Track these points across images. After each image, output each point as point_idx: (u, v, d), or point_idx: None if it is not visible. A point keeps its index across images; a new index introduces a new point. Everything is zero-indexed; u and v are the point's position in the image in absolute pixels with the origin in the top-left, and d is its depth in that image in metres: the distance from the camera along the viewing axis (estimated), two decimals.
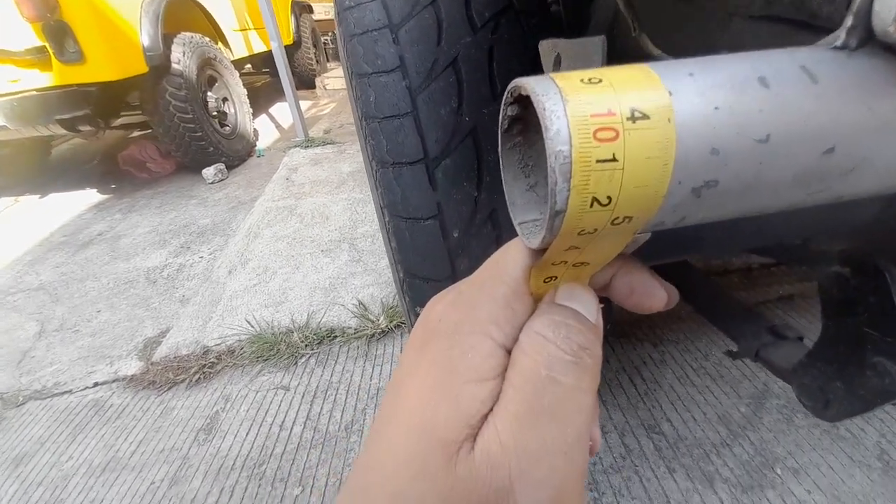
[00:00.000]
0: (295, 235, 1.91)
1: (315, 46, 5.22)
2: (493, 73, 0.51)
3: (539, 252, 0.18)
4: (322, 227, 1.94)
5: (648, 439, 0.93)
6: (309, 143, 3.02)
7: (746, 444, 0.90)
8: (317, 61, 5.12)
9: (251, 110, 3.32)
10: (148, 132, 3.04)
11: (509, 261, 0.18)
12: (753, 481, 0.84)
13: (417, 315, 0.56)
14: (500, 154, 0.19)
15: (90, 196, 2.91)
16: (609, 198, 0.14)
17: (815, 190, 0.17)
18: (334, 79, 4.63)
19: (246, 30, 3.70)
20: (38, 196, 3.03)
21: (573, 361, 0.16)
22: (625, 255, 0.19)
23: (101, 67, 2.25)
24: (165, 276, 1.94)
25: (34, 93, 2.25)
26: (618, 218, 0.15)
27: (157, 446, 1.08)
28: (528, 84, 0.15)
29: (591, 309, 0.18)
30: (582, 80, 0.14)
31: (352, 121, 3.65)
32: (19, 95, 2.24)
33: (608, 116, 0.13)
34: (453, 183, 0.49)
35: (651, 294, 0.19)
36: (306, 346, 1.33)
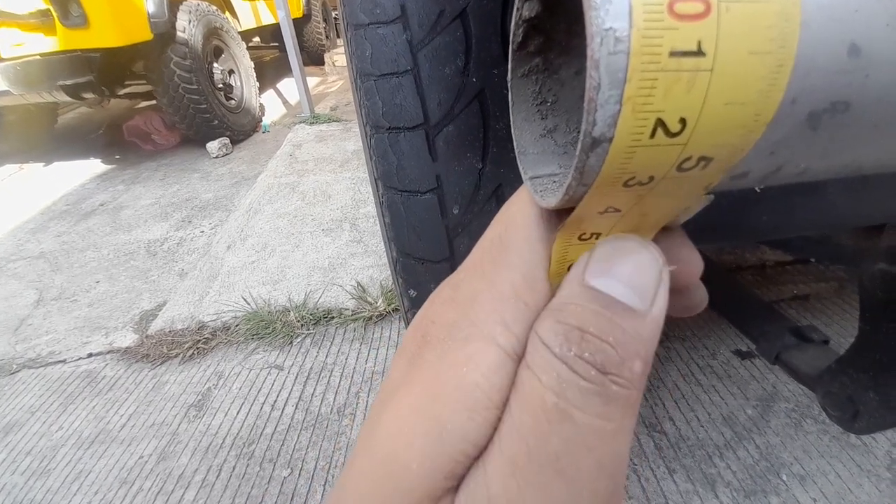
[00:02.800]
0: (296, 213, 1.87)
1: (325, 21, 5.09)
2: (505, 28, 0.45)
3: (561, 216, 0.13)
4: (324, 205, 1.90)
5: (649, 437, 0.89)
6: (314, 119, 2.96)
7: (752, 448, 0.86)
8: (326, 36, 5.00)
9: (258, 84, 3.25)
10: (153, 103, 2.99)
11: (515, 236, 0.13)
12: (757, 486, 0.80)
13: (411, 298, 0.52)
14: (509, 84, 0.15)
15: (94, 166, 2.89)
16: (683, 121, 0.09)
17: None
18: (343, 55, 4.52)
19: (254, 0, 3.61)
20: (43, 164, 3.02)
21: (595, 390, 0.10)
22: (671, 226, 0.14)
23: (104, 33, 2.20)
24: (166, 249, 1.92)
25: (38, 57, 2.20)
26: (689, 159, 0.09)
27: (148, 420, 1.06)
28: None
29: (644, 285, 0.11)
30: None
31: None
32: (23, 60, 2.20)
33: None
34: (455, 153, 0.44)
35: (692, 263, 0.14)
36: (302, 325, 1.30)
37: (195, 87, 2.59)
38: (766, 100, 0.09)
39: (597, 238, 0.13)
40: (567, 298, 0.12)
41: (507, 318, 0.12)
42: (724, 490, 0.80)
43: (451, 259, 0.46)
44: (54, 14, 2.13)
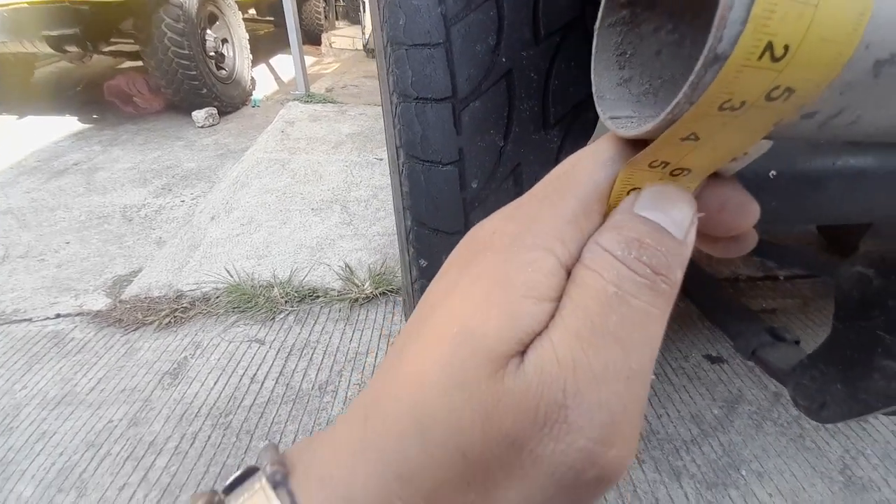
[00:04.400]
0: (285, 190, 1.84)
1: (325, 1, 4.99)
2: (537, 13, 0.46)
3: (631, 149, 0.15)
4: (314, 185, 1.87)
5: None
6: (309, 98, 2.90)
7: (715, 444, 0.91)
8: (325, 17, 4.91)
9: (251, 57, 3.16)
10: (138, 64, 2.87)
11: (581, 172, 0.16)
12: (718, 480, 0.85)
13: (421, 268, 0.53)
14: (595, 33, 0.16)
15: (70, 123, 2.75)
16: (786, 48, 0.10)
17: None
18: (342, 38, 4.45)
19: None
20: (16, 117, 2.85)
21: (647, 284, 0.14)
22: (721, 174, 0.16)
23: None
24: (143, 215, 1.85)
25: (25, 5, 2.09)
26: (778, 87, 0.11)
27: (119, 385, 1.03)
28: None
29: (681, 221, 0.14)
30: None
31: (356, 82, 3.52)
32: (10, 7, 2.09)
33: None
34: (479, 129, 0.45)
35: (746, 208, 0.16)
36: (286, 302, 1.29)
37: (186, 51, 2.50)
38: (848, 41, 0.10)
39: (664, 167, 0.14)
40: (620, 222, 0.15)
41: (566, 236, 0.15)
42: (688, 481, 0.84)
43: (464, 230, 0.47)
44: None
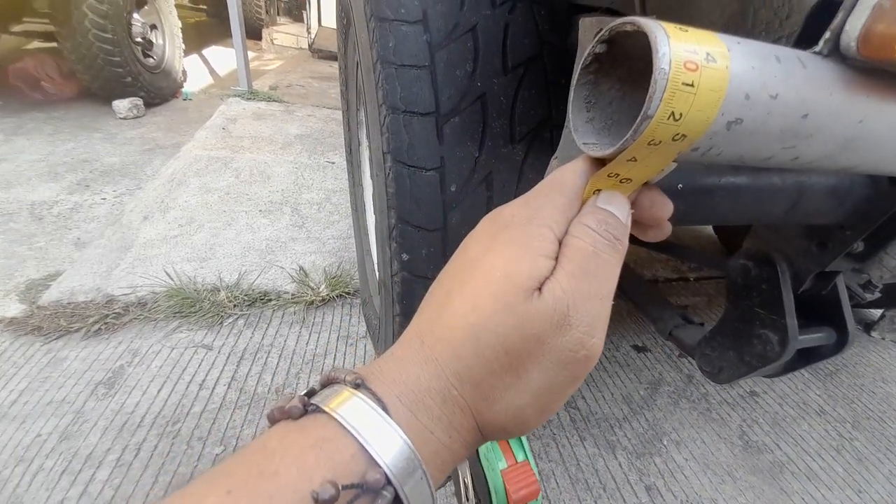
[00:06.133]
0: (229, 190, 1.76)
1: None
2: (506, 48, 0.54)
3: (596, 165, 0.24)
4: (262, 186, 1.81)
5: (566, 412, 1.04)
6: (252, 95, 2.78)
7: (642, 420, 1.04)
8: (266, 12, 4.71)
9: (184, 47, 2.97)
10: (51, 46, 2.57)
11: (566, 180, 0.24)
12: (645, 450, 0.98)
13: (402, 261, 0.57)
14: (572, 88, 0.23)
15: None
16: (681, 114, 0.18)
17: (789, 146, 0.24)
18: (284, 34, 4.30)
19: None
20: None
21: (610, 245, 0.22)
22: (650, 182, 0.25)
23: None
24: (55, 213, 1.67)
25: None
26: (678, 134, 0.19)
27: (44, 398, 0.94)
28: (641, 21, 0.19)
29: (624, 212, 0.24)
30: (676, 28, 0.19)
31: (302, 82, 3.43)
32: None
33: (693, 55, 0.18)
34: (458, 140, 0.51)
35: (665, 205, 0.25)
36: (235, 306, 1.24)
37: (109, 35, 2.30)
38: (712, 110, 0.19)
39: (616, 177, 0.23)
40: (591, 210, 0.23)
41: (559, 219, 0.23)
42: (621, 453, 0.96)
43: (443, 229, 0.53)
44: None
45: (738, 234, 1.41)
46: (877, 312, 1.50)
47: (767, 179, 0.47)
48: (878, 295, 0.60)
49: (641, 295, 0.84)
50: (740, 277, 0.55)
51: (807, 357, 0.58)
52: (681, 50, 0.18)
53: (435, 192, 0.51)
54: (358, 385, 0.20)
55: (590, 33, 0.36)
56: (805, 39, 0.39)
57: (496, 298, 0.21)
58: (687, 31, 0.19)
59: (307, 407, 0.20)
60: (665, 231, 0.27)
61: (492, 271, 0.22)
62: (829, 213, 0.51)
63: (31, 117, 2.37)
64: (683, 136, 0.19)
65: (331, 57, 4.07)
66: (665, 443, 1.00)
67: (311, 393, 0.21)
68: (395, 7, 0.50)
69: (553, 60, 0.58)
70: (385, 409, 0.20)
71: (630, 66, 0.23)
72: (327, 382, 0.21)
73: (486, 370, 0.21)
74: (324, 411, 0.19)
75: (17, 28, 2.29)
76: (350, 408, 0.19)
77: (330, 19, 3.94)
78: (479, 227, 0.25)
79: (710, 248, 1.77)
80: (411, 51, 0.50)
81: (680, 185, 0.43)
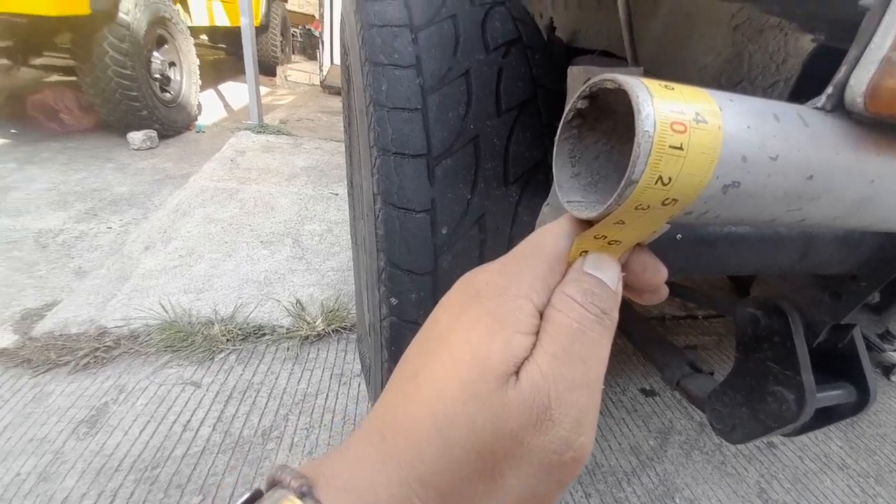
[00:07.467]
0: (232, 221, 1.77)
1: (283, 35, 5.04)
2: (499, 92, 0.53)
3: (582, 226, 0.21)
4: (265, 216, 1.82)
5: None
6: (262, 128, 2.86)
7: (652, 475, 0.97)
8: (282, 50, 4.94)
9: (200, 82, 3.08)
10: (69, 79, 2.68)
11: (547, 244, 0.22)
12: None
13: (391, 305, 0.55)
14: (555, 143, 0.21)
15: None
16: (670, 179, 0.17)
17: (794, 208, 0.22)
18: (298, 72, 4.49)
19: None
20: None
21: (598, 321, 0.20)
22: (642, 244, 0.22)
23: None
24: (60, 241, 1.68)
25: None
26: (668, 199, 0.17)
27: (26, 434, 0.90)
28: (622, 79, 0.18)
29: (614, 279, 0.21)
30: (660, 85, 0.17)
31: (311, 116, 3.53)
32: None
33: (681, 115, 0.17)
34: (450, 182, 0.49)
35: (659, 270, 0.22)
36: (227, 340, 1.21)
37: (128, 72, 2.39)
38: (705, 174, 0.17)
39: (604, 239, 0.21)
40: (576, 276, 0.21)
41: (539, 288, 0.20)
42: None
43: (433, 273, 0.51)
44: None
45: (747, 277, 1.37)
46: None
47: (773, 229, 0.45)
48: None
49: (646, 338, 0.79)
50: (749, 327, 0.52)
51: (827, 416, 0.54)
52: (666, 110, 0.16)
53: (425, 235, 0.49)
54: (304, 494, 0.17)
55: (578, 82, 0.35)
56: (804, 87, 0.37)
57: (464, 386, 0.18)
58: (673, 88, 0.17)
59: None
60: (661, 295, 0.24)
61: (460, 351, 0.19)
62: (839, 263, 0.48)
63: (46, 147, 2.44)
64: (674, 200, 0.18)
65: (340, 92, 4.23)
66: (677, 501, 0.93)
67: (256, 496, 0.18)
68: (389, 52, 0.51)
69: (548, 103, 0.57)
70: None
71: (616, 119, 0.22)
72: (273, 484, 0.18)
73: (456, 475, 0.17)
74: None
75: (37, 61, 2.40)
76: None
77: None
78: (451, 293, 0.22)
79: (718, 288, 1.72)
80: (404, 94, 0.49)
81: (679, 236, 0.40)
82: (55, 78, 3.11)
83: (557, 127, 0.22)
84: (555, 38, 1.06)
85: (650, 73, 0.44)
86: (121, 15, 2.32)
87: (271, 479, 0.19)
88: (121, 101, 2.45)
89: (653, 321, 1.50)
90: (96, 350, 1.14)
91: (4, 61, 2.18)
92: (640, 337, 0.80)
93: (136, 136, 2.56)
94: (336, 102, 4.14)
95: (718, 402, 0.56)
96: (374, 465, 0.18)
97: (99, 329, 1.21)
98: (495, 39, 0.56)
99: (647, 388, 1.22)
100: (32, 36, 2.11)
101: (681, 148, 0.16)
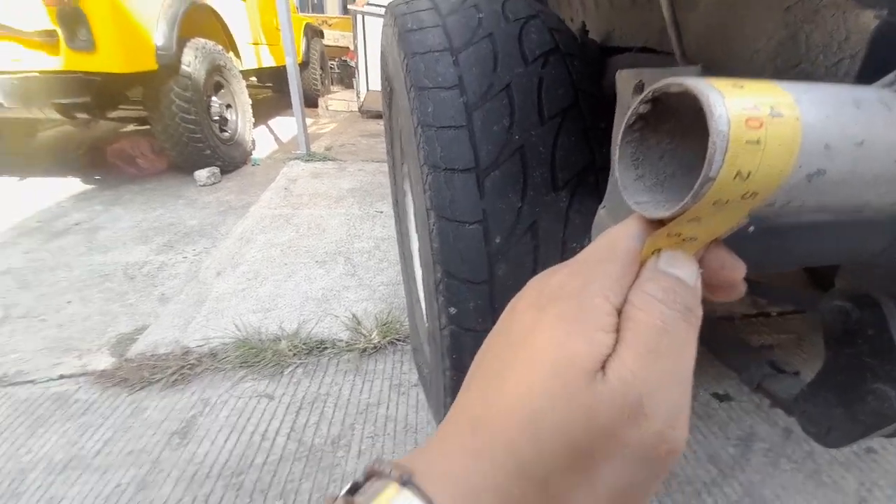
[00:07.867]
0: (289, 244, 1.89)
1: (322, 69, 5.37)
2: (541, 101, 0.56)
3: (653, 225, 0.22)
4: (318, 238, 1.93)
5: None
6: (310, 157, 3.04)
7: (735, 485, 0.92)
8: (322, 83, 5.26)
9: (253, 120, 3.34)
10: (143, 128, 3.00)
11: (618, 245, 0.22)
12: None
13: (450, 315, 0.58)
14: (618, 146, 0.23)
15: (72, 185, 2.81)
16: (749, 173, 0.17)
17: (885, 191, 0.21)
18: (337, 101, 4.75)
19: (258, 44, 3.79)
20: (17, 179, 2.90)
21: (682, 317, 0.19)
22: (718, 239, 0.22)
23: (110, 59, 2.25)
24: (145, 272, 1.87)
25: (36, 74, 2.21)
26: (748, 193, 0.18)
27: (126, 447, 1.01)
28: (690, 83, 0.18)
29: (692, 275, 0.21)
30: (729, 84, 0.18)
31: (352, 141, 3.71)
32: (20, 75, 2.19)
33: (755, 110, 0.17)
34: (500, 193, 0.52)
35: (737, 266, 0.22)
36: (294, 355, 1.30)
37: (192, 117, 2.64)
38: (786, 164, 0.17)
39: (678, 236, 0.21)
40: (652, 275, 0.21)
41: (615, 289, 0.20)
42: None
43: (490, 281, 0.53)
44: (60, 35, 2.18)
45: (826, 268, 1.24)
46: None
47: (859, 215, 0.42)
48: None
49: (717, 339, 0.76)
50: (839, 322, 0.48)
51: None
52: (739, 107, 0.17)
53: (479, 246, 0.52)
54: (405, 482, 0.18)
55: (628, 85, 0.36)
56: (873, 66, 0.36)
57: (553, 381, 0.18)
58: (743, 86, 0.18)
59: None
60: (739, 291, 0.23)
61: (544, 349, 0.19)
62: None
63: (126, 189, 2.73)
64: (755, 193, 0.18)
65: (377, 116, 4.42)
66: None
67: (354, 488, 0.19)
68: (433, 76, 0.55)
69: (590, 106, 0.58)
70: None
71: (679, 118, 0.22)
72: (371, 475, 0.19)
73: (549, 468, 0.18)
74: None
75: (113, 114, 2.71)
76: None
77: (376, 84, 4.31)
78: (524, 296, 0.22)
79: (795, 283, 1.60)
80: (449, 113, 0.53)
81: (751, 228, 0.39)
82: (130, 128, 3.49)
83: (602, 128, 0.24)
84: (589, 41, 1.06)
85: (703, 68, 0.44)
86: (183, 67, 2.58)
87: (369, 471, 0.19)
88: (187, 143, 2.71)
89: (720, 322, 1.43)
90: (182, 368, 1.26)
91: (84, 116, 2.47)
92: (710, 338, 0.77)
93: (201, 174, 2.80)
94: (373, 126, 4.33)
95: (809, 404, 0.52)
96: (468, 456, 0.18)
97: (183, 349, 1.33)
98: (533, 51, 0.59)
99: (721, 392, 1.16)
100: (108, 91, 2.39)
101: (758, 142, 0.17)
